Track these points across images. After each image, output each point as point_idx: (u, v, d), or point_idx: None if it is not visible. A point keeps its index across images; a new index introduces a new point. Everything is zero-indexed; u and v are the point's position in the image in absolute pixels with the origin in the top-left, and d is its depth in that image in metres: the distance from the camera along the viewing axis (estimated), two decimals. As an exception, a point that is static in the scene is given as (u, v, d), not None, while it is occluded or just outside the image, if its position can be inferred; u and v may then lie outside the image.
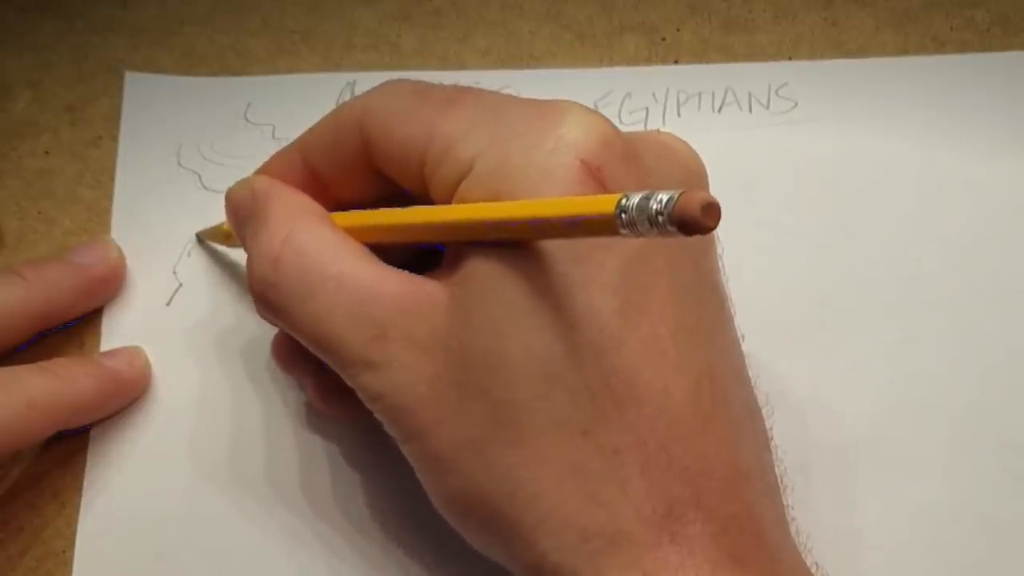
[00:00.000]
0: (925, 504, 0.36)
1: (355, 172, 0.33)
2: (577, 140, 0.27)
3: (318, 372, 0.34)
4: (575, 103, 0.29)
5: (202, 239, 0.41)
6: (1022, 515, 0.35)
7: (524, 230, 0.26)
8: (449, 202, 0.29)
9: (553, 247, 0.27)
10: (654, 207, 0.21)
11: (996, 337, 0.39)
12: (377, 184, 0.33)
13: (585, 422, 0.27)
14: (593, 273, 0.27)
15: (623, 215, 0.22)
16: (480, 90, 0.31)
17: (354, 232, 0.31)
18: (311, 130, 0.34)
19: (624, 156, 0.28)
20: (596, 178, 0.27)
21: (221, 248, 0.41)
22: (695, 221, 0.20)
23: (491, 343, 0.27)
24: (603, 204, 0.23)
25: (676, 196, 0.20)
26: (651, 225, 0.21)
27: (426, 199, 0.31)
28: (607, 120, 0.28)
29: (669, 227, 0.21)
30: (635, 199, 0.22)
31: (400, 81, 0.32)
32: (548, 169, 0.27)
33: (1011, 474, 0.36)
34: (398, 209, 0.31)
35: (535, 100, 0.30)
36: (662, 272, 0.28)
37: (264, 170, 0.35)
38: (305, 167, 0.34)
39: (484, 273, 0.28)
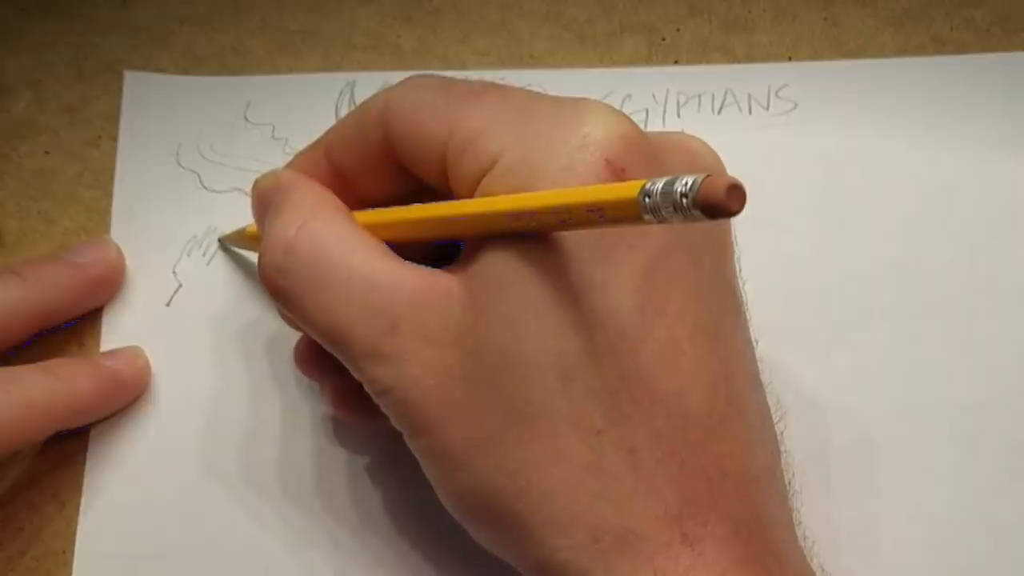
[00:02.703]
0: (926, 503, 0.36)
1: (378, 168, 0.33)
2: (602, 139, 0.27)
3: (337, 376, 0.33)
4: (599, 102, 0.29)
5: (224, 244, 0.41)
6: (1022, 515, 0.36)
7: (546, 220, 0.26)
8: (471, 197, 0.29)
9: (573, 245, 0.27)
10: (679, 190, 0.21)
11: (996, 337, 0.39)
12: (400, 181, 0.33)
13: (600, 421, 0.27)
14: (613, 273, 0.27)
15: (647, 199, 0.22)
16: (504, 86, 0.31)
17: (375, 229, 0.31)
18: (334, 127, 0.34)
19: (646, 157, 0.28)
20: (620, 179, 0.27)
21: (223, 252, 0.41)
22: (720, 203, 0.20)
23: (507, 339, 0.27)
24: (626, 190, 0.23)
25: (701, 179, 0.20)
26: (675, 210, 0.21)
27: (448, 194, 0.30)
28: (631, 120, 0.28)
29: (694, 211, 0.20)
30: (659, 183, 0.21)
31: (424, 76, 0.32)
32: (573, 166, 0.27)
33: (1012, 473, 0.36)
34: (418, 205, 0.30)
35: (559, 97, 0.29)
36: (682, 274, 0.28)
37: (289, 168, 0.35)
38: (329, 165, 0.34)
39: (502, 268, 0.27)
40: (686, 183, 0.21)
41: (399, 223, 0.31)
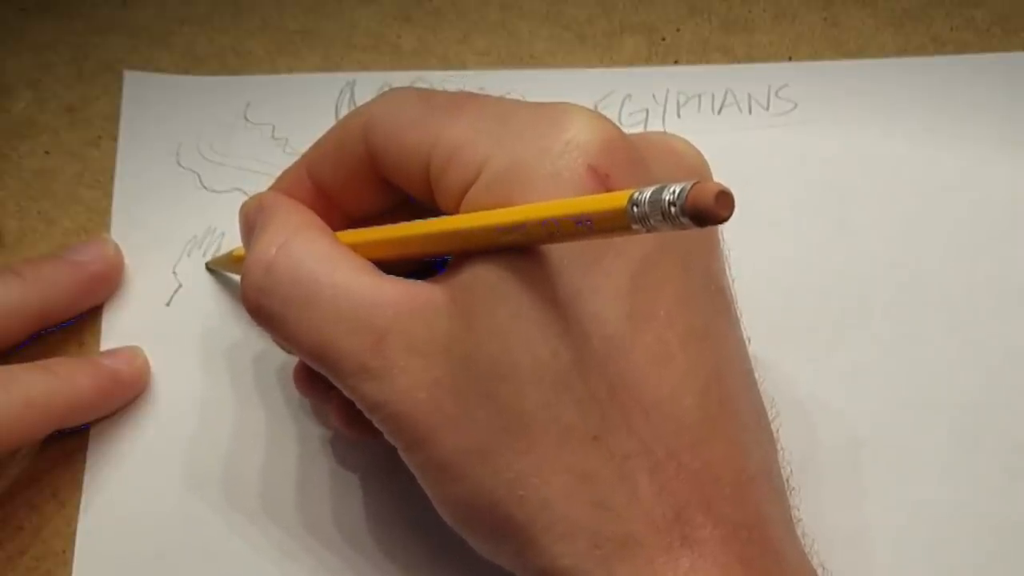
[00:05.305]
0: (926, 503, 0.36)
1: (361, 183, 0.33)
2: (584, 144, 0.27)
3: (341, 396, 0.32)
4: (578, 106, 0.29)
5: (212, 268, 0.41)
6: (1022, 514, 0.35)
7: (534, 232, 0.26)
8: (456, 209, 0.29)
9: (560, 254, 0.27)
10: (667, 198, 0.21)
11: (996, 337, 0.39)
12: (384, 195, 0.33)
13: (594, 428, 0.27)
14: (601, 280, 0.27)
15: (635, 208, 0.22)
16: (484, 96, 0.31)
17: (360, 248, 0.31)
18: (316, 145, 0.34)
19: (630, 161, 0.28)
20: (604, 185, 0.27)
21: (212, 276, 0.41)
22: (709, 210, 0.20)
23: (498, 350, 0.27)
24: (614, 200, 0.23)
25: (689, 186, 0.20)
26: (664, 218, 0.21)
27: (433, 206, 0.30)
28: (612, 123, 0.28)
29: (682, 219, 0.20)
30: (647, 192, 0.21)
31: (404, 89, 0.32)
32: (557, 173, 0.27)
33: (1012, 473, 0.36)
34: (403, 223, 0.30)
35: (539, 104, 0.29)
36: (670, 277, 0.28)
37: (273, 189, 0.35)
38: (313, 183, 0.34)
39: (490, 279, 0.27)
40: (674, 191, 0.21)
41: (384, 241, 0.31)
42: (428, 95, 0.31)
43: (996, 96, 0.44)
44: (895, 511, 0.36)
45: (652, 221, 0.21)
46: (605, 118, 0.28)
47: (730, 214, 0.20)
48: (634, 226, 0.22)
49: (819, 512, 0.35)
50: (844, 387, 0.38)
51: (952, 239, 0.41)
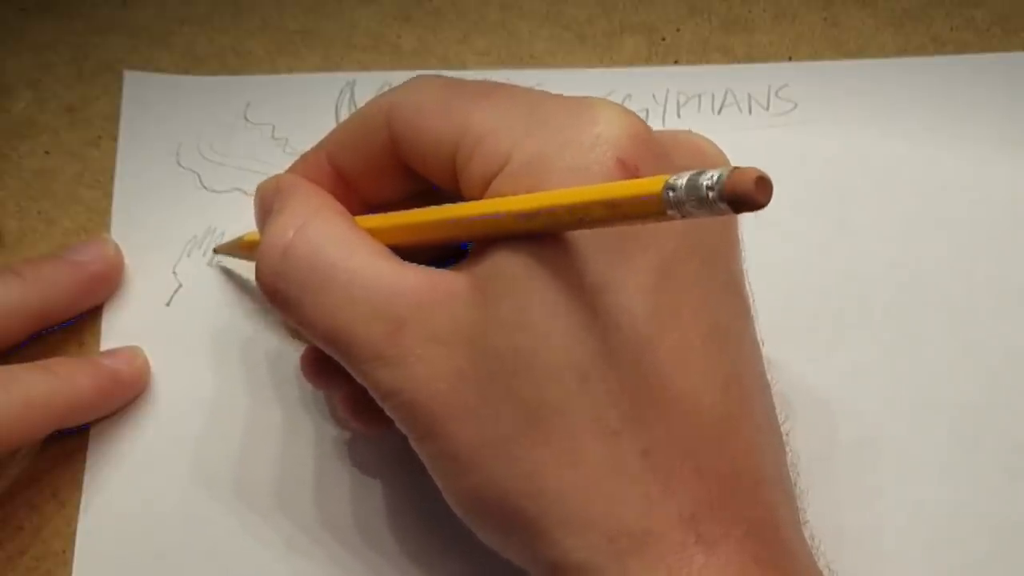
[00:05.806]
0: (926, 503, 0.36)
1: (382, 170, 0.33)
2: (614, 138, 0.27)
3: (349, 385, 0.32)
4: (608, 100, 0.29)
5: (219, 252, 0.41)
6: (1022, 514, 0.35)
7: (563, 218, 0.25)
8: (481, 197, 0.29)
9: (585, 245, 0.27)
10: (705, 183, 0.21)
11: (996, 337, 0.39)
12: (404, 182, 0.33)
13: (615, 423, 0.27)
14: (627, 274, 0.27)
15: (671, 193, 0.22)
16: (511, 85, 0.31)
17: (379, 233, 0.31)
18: (337, 129, 0.34)
19: (656, 155, 0.28)
20: (634, 177, 0.27)
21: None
22: (748, 195, 0.20)
23: (521, 340, 0.27)
24: (650, 185, 0.22)
25: (727, 172, 0.20)
26: (700, 204, 0.21)
27: (457, 195, 0.30)
28: (639, 118, 0.28)
29: (720, 204, 0.20)
30: (684, 177, 0.21)
31: (429, 76, 0.32)
32: (587, 166, 0.27)
33: (1012, 473, 0.36)
34: (426, 208, 0.30)
35: (567, 96, 0.29)
36: (696, 276, 0.28)
37: (291, 172, 0.35)
38: (332, 168, 0.33)
39: (514, 268, 0.27)
40: (712, 176, 0.21)
41: (405, 227, 0.30)
42: (453, 83, 0.31)
43: (996, 96, 0.44)
44: (895, 511, 0.36)
45: (688, 207, 0.21)
46: (632, 113, 0.28)
47: (768, 200, 0.20)
48: (669, 211, 0.22)
49: (821, 512, 0.35)
50: (845, 388, 0.38)
51: (952, 239, 0.41)
